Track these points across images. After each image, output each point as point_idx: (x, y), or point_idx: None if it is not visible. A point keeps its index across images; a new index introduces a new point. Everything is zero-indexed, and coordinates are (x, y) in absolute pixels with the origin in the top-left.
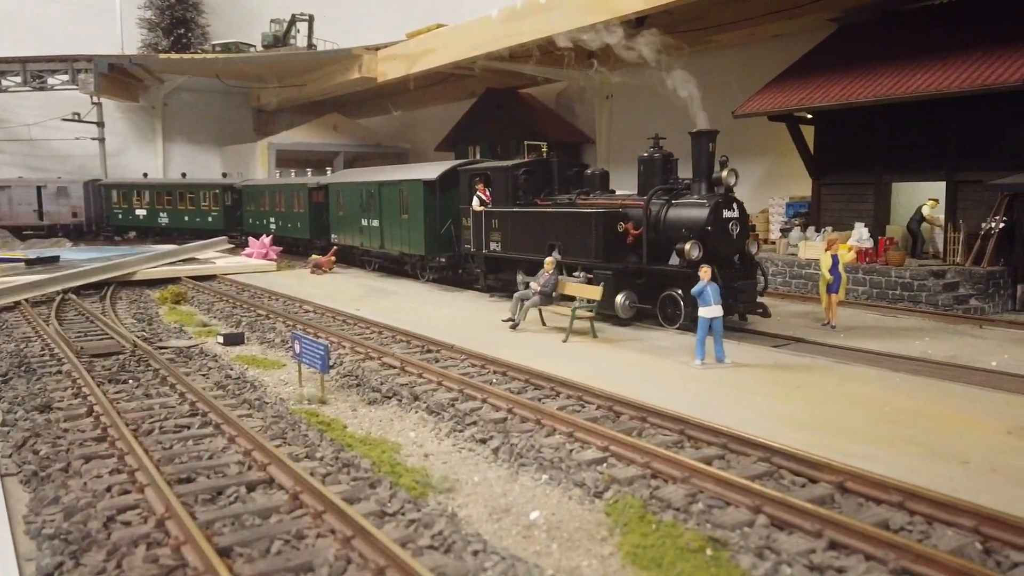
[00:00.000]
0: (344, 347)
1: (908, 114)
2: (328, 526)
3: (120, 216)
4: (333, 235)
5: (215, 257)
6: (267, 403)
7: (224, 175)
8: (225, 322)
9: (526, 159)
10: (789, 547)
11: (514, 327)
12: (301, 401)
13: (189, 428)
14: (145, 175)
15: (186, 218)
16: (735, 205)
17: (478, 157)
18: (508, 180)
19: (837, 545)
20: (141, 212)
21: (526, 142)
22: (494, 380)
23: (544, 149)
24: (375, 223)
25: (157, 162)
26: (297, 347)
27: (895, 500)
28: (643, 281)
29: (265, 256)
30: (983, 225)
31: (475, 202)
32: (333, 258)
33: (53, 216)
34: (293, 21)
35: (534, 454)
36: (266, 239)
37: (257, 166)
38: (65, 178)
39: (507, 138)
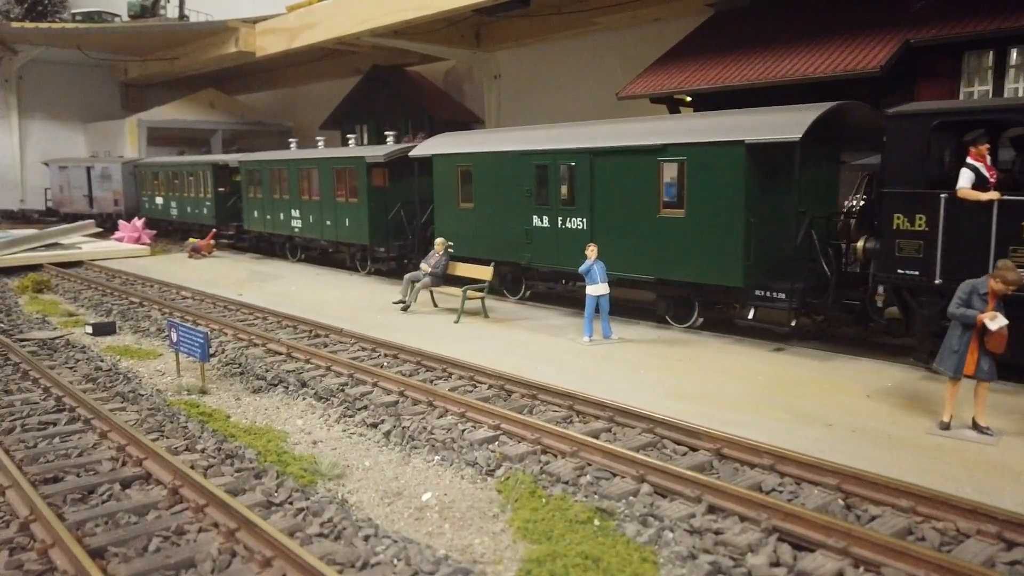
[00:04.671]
0: (226, 334)
1: (779, 97)
2: (211, 520)
3: (147, 205)
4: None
5: (81, 242)
6: (142, 395)
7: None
8: (94, 311)
9: None
10: (671, 513)
11: (405, 309)
12: (180, 392)
13: (55, 425)
14: (182, 152)
15: (188, 208)
16: None
17: (365, 139)
18: None
19: (715, 509)
20: (159, 200)
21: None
22: (385, 363)
23: None
24: (576, 224)
25: (12, 140)
26: (174, 335)
27: (767, 463)
28: None
29: (137, 240)
30: (844, 204)
31: (964, 180)
32: (212, 241)
33: (100, 203)
34: None
35: (426, 436)
36: (138, 221)
37: (126, 145)
38: (106, 158)
39: (395, 117)
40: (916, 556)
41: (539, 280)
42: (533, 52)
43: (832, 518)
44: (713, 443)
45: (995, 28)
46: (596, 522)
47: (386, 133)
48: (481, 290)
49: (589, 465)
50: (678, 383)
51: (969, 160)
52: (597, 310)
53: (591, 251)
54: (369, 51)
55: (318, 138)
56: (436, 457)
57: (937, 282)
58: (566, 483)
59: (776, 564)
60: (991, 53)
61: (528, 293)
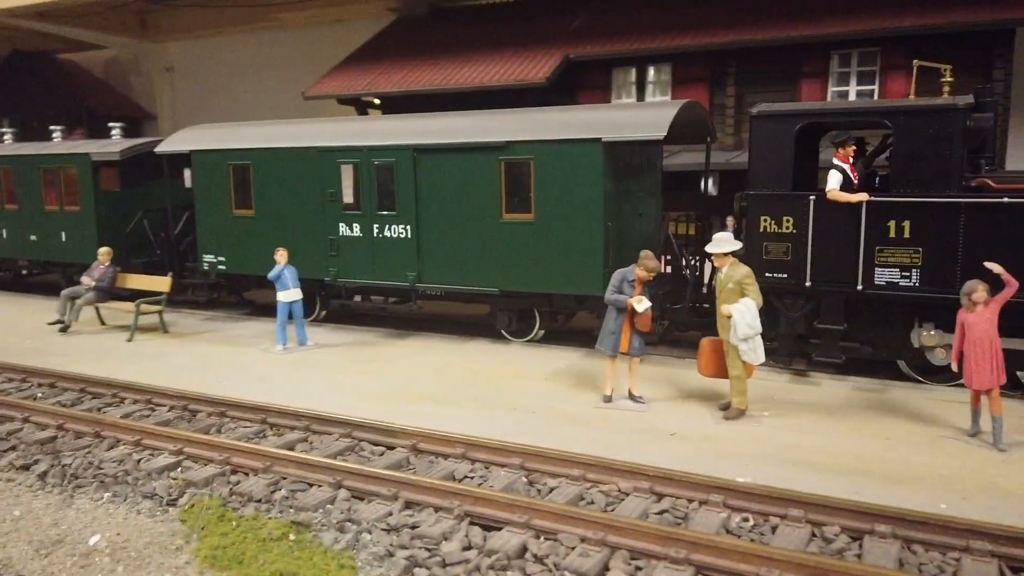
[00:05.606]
0: None
1: (464, 103)
2: None
3: None
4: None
5: None
6: None
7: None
8: None
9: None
10: (368, 515)
11: (64, 330)
12: None
13: None
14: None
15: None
16: None
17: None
18: (944, 135)
19: (412, 504)
20: None
21: (916, 62)
22: (39, 395)
23: (947, 74)
24: (399, 232)
25: None
26: None
27: (459, 452)
28: None
29: None
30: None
31: (833, 181)
32: None
33: None
34: None
35: (93, 472)
36: None
37: None
38: None
39: (44, 108)
40: (586, 519)
41: (347, 298)
42: (210, 45)
43: (516, 496)
44: (409, 439)
45: (635, 48)
46: (292, 536)
47: (110, 125)
48: (158, 303)
49: (284, 479)
50: (376, 383)
51: (836, 161)
52: (291, 317)
53: (281, 256)
54: (7, 33)
55: (3, 131)
56: (106, 494)
57: (807, 284)
58: (259, 501)
59: (468, 548)
60: (633, 70)
61: (323, 314)
